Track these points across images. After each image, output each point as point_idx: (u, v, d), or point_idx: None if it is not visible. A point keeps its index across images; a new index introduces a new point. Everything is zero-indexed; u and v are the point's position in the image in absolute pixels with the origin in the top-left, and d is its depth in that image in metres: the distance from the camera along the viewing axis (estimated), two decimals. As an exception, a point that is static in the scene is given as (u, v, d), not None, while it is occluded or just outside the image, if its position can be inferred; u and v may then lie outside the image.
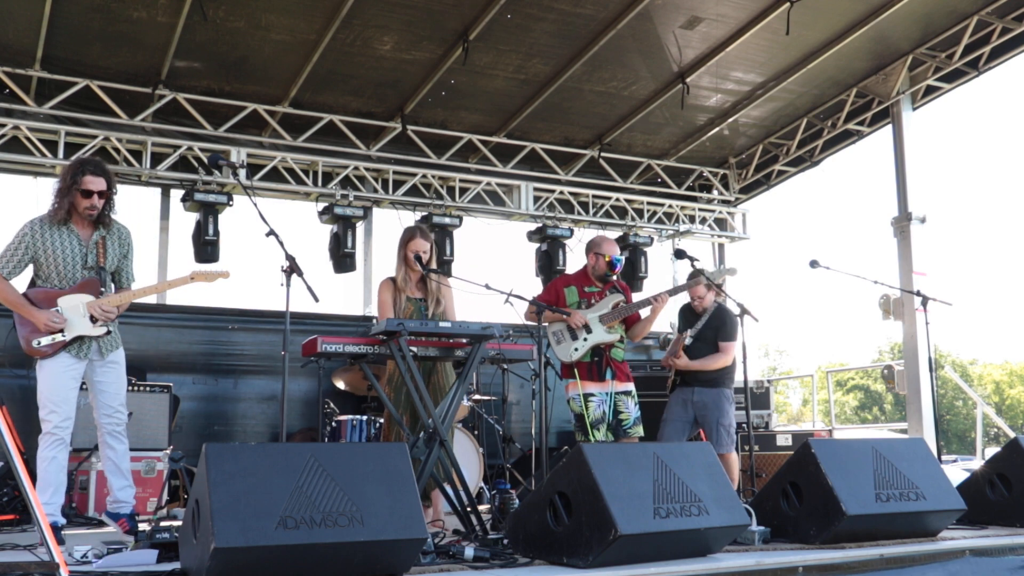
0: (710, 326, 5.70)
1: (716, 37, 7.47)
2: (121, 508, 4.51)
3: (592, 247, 5.38)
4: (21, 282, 4.45)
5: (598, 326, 5.15)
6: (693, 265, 5.60)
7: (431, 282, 4.81)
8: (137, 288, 4.64)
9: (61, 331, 4.28)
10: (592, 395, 5.11)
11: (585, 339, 5.13)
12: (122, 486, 4.53)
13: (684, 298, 5.87)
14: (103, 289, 4.43)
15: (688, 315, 5.85)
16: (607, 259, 5.28)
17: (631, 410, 5.16)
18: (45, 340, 4.26)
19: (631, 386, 5.24)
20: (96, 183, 4.33)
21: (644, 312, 5.38)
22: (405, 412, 4.57)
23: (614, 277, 5.38)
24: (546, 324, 4.83)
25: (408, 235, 4.85)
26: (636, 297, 5.55)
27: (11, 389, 6.81)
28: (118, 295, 4.49)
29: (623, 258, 6.17)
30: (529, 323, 5.09)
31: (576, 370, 5.14)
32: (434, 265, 4.84)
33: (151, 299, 4.89)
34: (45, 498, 4.28)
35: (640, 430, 5.17)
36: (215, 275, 4.66)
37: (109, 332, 4.43)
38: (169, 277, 7.96)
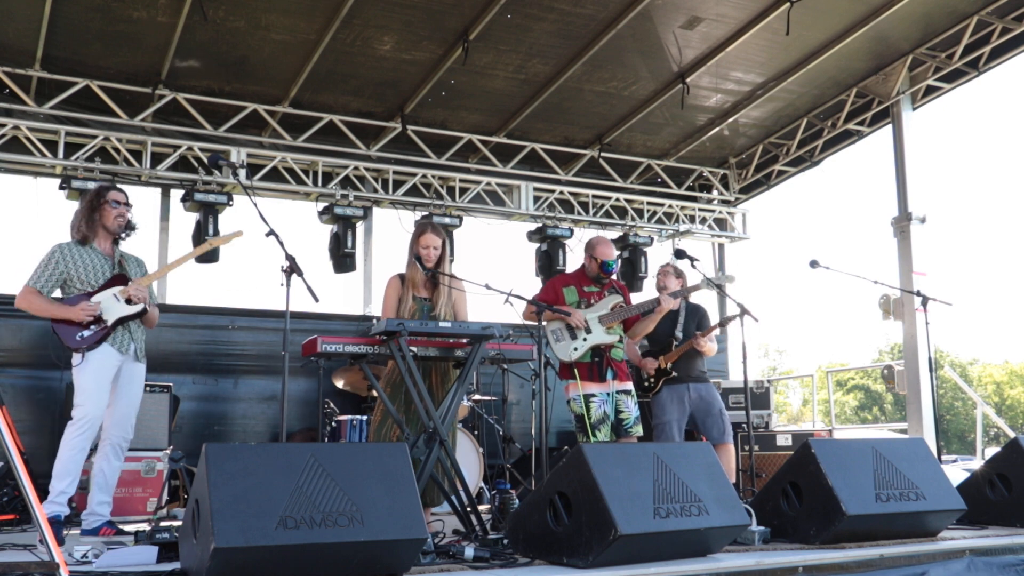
0: (691, 321, 5.96)
1: (716, 37, 7.46)
2: (97, 521, 4.57)
3: (588, 248, 5.37)
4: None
5: (597, 327, 5.14)
6: (693, 262, 5.60)
7: (441, 284, 4.64)
8: (166, 264, 4.78)
9: (100, 318, 4.44)
10: (593, 396, 5.08)
11: (585, 339, 5.11)
12: (101, 501, 4.61)
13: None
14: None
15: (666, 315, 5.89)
16: (599, 262, 5.27)
17: (631, 409, 5.15)
18: (87, 332, 4.42)
19: (630, 385, 5.23)
20: (119, 196, 4.68)
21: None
22: (402, 411, 4.53)
23: (608, 280, 5.37)
24: (545, 323, 4.81)
25: (419, 231, 4.69)
26: (635, 297, 5.55)
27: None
28: (148, 275, 4.73)
29: (618, 261, 6.17)
30: (528, 323, 5.09)
31: (576, 370, 5.12)
32: (448, 263, 4.69)
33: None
34: (63, 486, 4.36)
35: (640, 429, 5.16)
36: (230, 236, 4.92)
37: (146, 311, 4.61)
38: (169, 278, 8.06)
